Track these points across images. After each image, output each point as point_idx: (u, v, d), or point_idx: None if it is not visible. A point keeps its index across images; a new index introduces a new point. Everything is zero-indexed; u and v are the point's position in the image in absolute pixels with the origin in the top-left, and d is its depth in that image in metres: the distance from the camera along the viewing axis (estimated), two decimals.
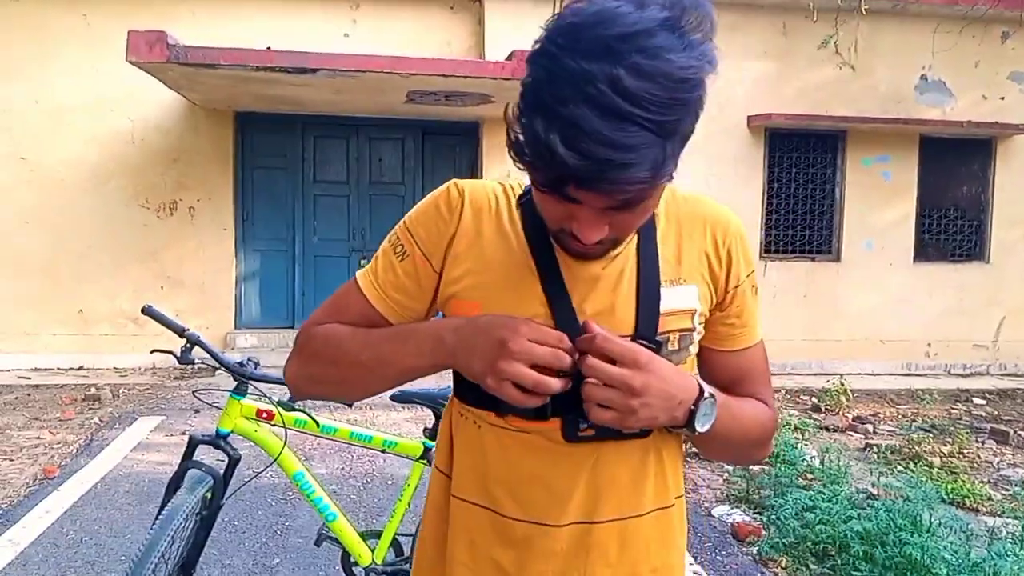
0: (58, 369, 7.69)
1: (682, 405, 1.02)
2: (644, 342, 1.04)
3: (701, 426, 1.04)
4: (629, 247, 1.09)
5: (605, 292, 1.08)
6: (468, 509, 1.14)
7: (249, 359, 2.68)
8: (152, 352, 2.78)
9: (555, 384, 0.96)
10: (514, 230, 1.11)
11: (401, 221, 1.17)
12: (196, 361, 2.60)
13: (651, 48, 0.83)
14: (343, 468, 4.91)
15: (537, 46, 0.89)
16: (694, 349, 1.15)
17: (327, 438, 2.72)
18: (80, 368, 7.73)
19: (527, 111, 0.88)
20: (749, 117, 8.36)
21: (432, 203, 1.15)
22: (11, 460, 4.95)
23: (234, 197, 8.18)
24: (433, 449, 2.36)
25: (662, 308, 1.08)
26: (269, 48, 6.37)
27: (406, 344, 1.09)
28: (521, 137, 0.89)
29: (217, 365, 2.63)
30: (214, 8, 7.85)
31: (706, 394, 1.04)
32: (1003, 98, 8.82)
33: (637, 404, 0.97)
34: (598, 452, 1.09)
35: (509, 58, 6.50)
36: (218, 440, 2.61)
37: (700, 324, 1.13)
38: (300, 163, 8.43)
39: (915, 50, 8.67)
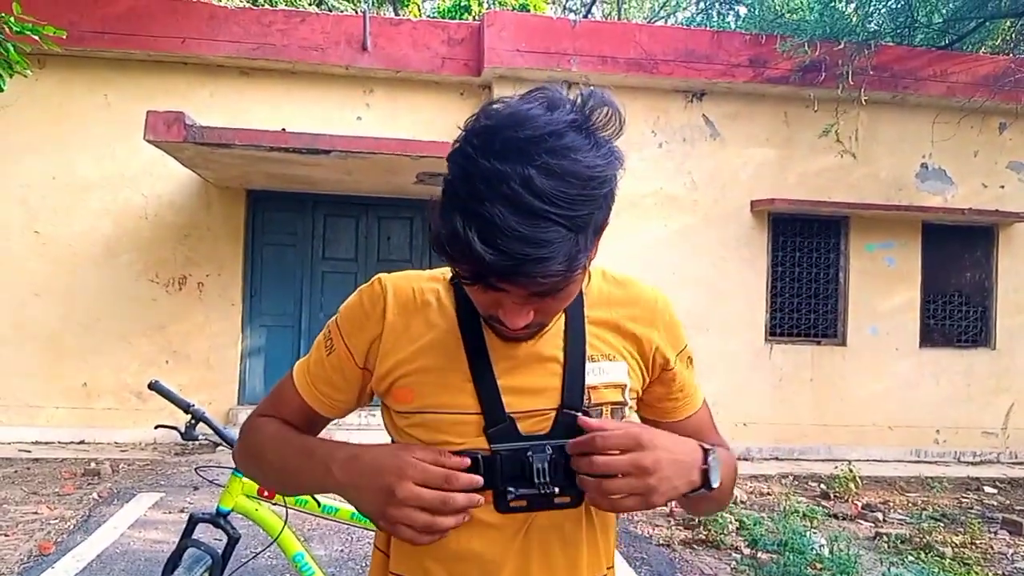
0: (59, 443, 7.64)
1: (694, 467, 1.06)
2: (570, 411, 1.09)
3: (715, 481, 1.07)
4: (557, 325, 1.13)
5: (530, 370, 1.12)
6: None
7: None
8: (156, 428, 2.79)
9: (448, 523, 1.00)
10: (443, 313, 1.14)
11: (335, 315, 1.21)
12: (200, 437, 2.61)
13: (560, 149, 0.88)
14: (343, 550, 4.82)
15: (456, 145, 0.95)
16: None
17: (328, 519, 2.69)
18: (81, 442, 7.68)
19: (447, 207, 0.92)
20: (752, 202, 8.49)
21: (357, 300, 1.18)
22: (7, 535, 4.88)
23: (243, 273, 8.27)
24: None
25: (589, 382, 1.12)
26: (283, 129, 6.55)
27: (306, 462, 1.12)
28: (442, 232, 0.92)
29: (220, 441, 2.63)
30: (232, 91, 8.09)
31: (710, 450, 1.09)
32: (1003, 187, 8.96)
33: (655, 482, 1.00)
34: (529, 523, 1.10)
35: None
36: (218, 518, 2.59)
37: (631, 399, 1.18)
38: (310, 240, 8.55)
39: (915, 139, 8.85)
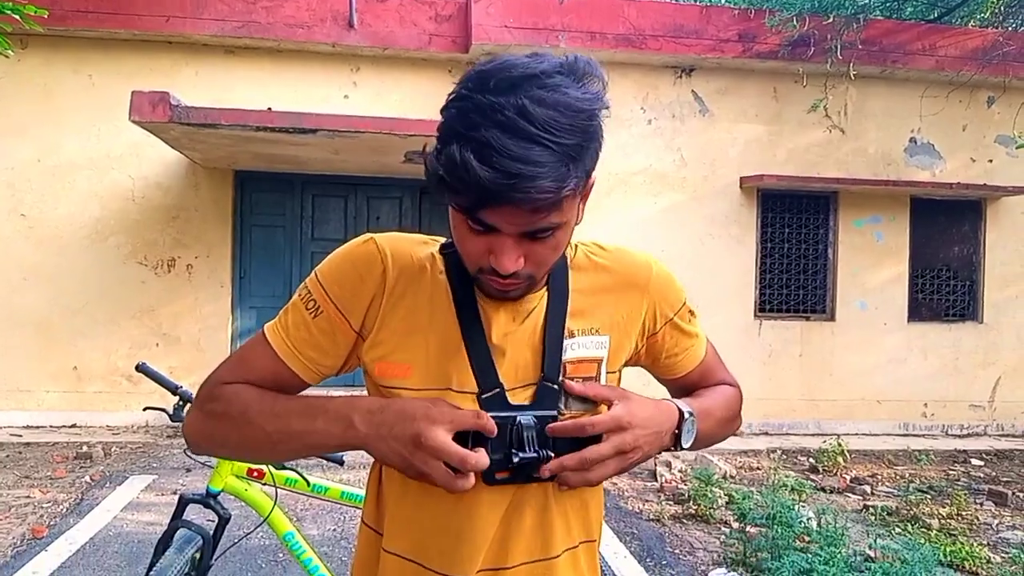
0: (51, 426, 7.63)
1: (667, 433, 1.15)
2: (549, 383, 1.13)
3: (687, 443, 1.17)
4: (541, 302, 1.15)
5: (515, 340, 1.14)
6: (399, 563, 1.15)
7: None
8: (145, 410, 2.78)
9: (467, 484, 1.02)
10: (435, 286, 1.14)
11: (312, 274, 1.16)
12: None
13: (551, 84, 0.95)
14: (335, 529, 4.85)
15: (450, 97, 1.00)
16: None
17: (318, 497, 2.70)
18: (73, 425, 7.67)
19: (442, 143, 0.98)
20: (742, 178, 8.49)
21: (349, 260, 1.15)
22: None
23: (232, 254, 8.24)
24: None
25: (566, 357, 1.15)
26: (270, 109, 6.50)
27: (315, 421, 1.09)
28: (440, 163, 0.97)
29: None
30: (217, 70, 8.01)
31: (686, 415, 1.17)
32: (991, 161, 8.98)
33: (636, 457, 1.10)
34: (510, 496, 1.13)
35: None
36: (208, 499, 2.60)
37: (606, 374, 1.20)
38: (298, 221, 8.51)
39: (904, 114, 8.85)
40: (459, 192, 0.96)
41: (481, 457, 1.01)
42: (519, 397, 1.12)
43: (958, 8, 9.92)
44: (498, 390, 1.10)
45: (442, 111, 1.00)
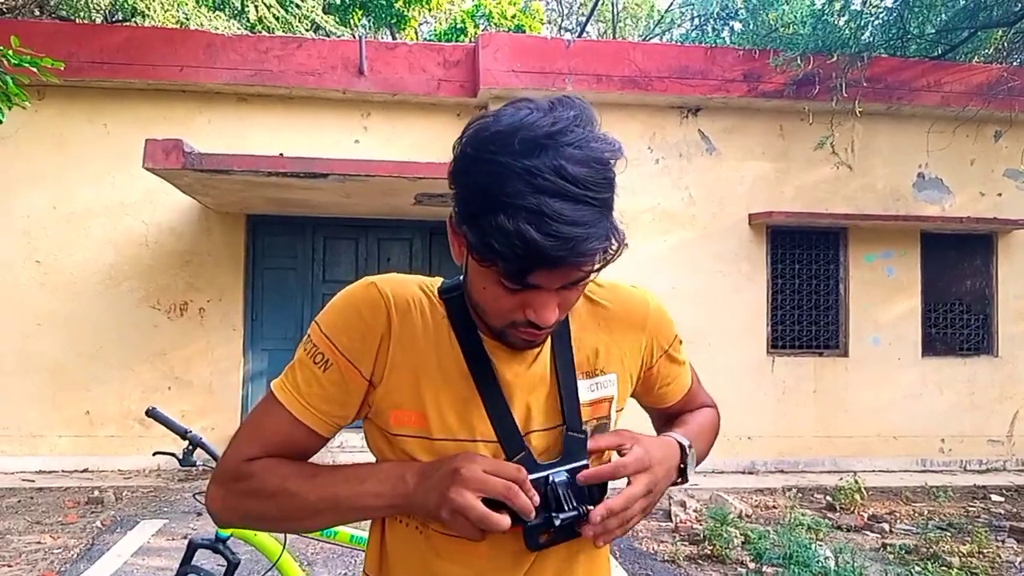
0: (62, 471, 7.64)
1: (675, 468, 1.18)
2: (574, 434, 1.12)
3: (691, 475, 1.20)
4: (545, 344, 1.15)
5: (533, 393, 1.14)
6: None
7: None
8: (154, 454, 2.79)
9: (503, 522, 1.00)
10: (438, 330, 1.13)
11: (314, 325, 1.14)
12: (198, 463, 2.61)
13: (576, 141, 0.95)
14: (345, 573, 4.81)
15: (463, 158, 0.99)
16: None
17: (327, 542, 2.69)
18: (84, 470, 7.68)
19: (483, 214, 0.94)
20: (750, 215, 8.52)
21: (352, 307, 1.13)
22: (10, 566, 4.87)
23: (244, 297, 8.30)
24: None
25: (584, 399, 1.16)
26: (281, 154, 6.60)
27: (363, 485, 1.08)
28: (486, 238, 0.94)
29: None
30: (230, 117, 8.16)
31: (687, 448, 1.19)
32: (1000, 194, 8.98)
33: (657, 495, 1.12)
34: (536, 553, 1.12)
35: None
36: (217, 544, 2.60)
37: (616, 412, 1.22)
38: (310, 263, 8.58)
39: (911, 149, 8.88)
40: (511, 260, 0.94)
41: (502, 520, 1.00)
42: (538, 443, 1.12)
43: (961, 45, 10.00)
44: (524, 453, 1.09)
45: (462, 173, 0.99)
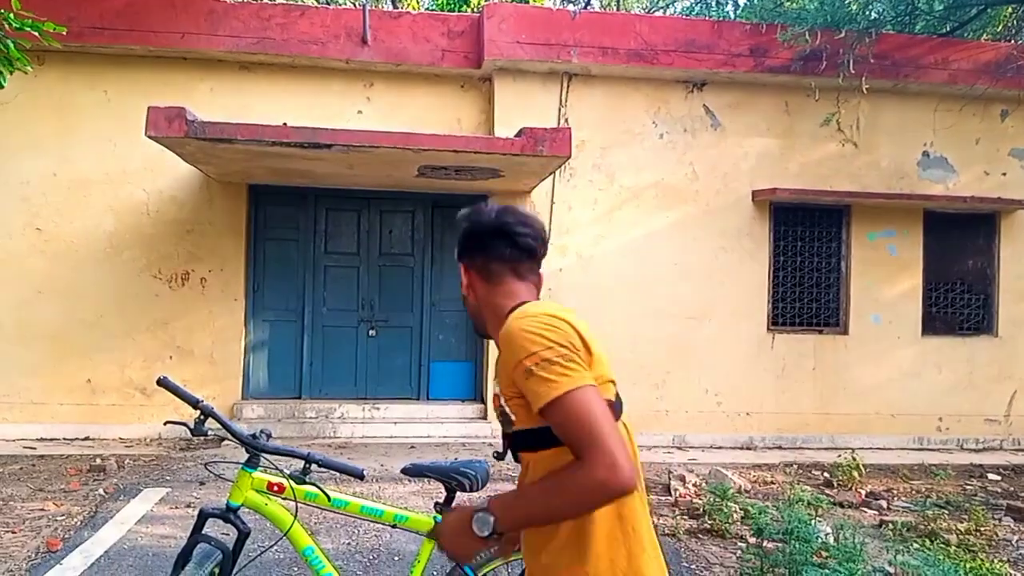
0: (64, 439, 7.66)
1: (464, 529, 1.53)
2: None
3: (482, 532, 1.49)
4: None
5: None
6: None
7: (262, 431, 2.68)
8: (166, 424, 2.78)
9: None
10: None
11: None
12: (209, 433, 2.61)
13: (510, 209, 1.81)
14: (349, 543, 4.83)
15: (463, 242, 1.82)
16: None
17: (338, 512, 2.70)
18: (86, 438, 7.70)
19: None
20: (754, 191, 8.48)
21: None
22: (13, 532, 4.90)
23: (245, 268, 8.27)
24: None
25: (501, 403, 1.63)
26: (285, 124, 6.54)
27: None
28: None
29: (228, 436, 2.63)
30: (232, 85, 8.08)
31: (475, 513, 1.50)
32: (1005, 174, 8.95)
33: (449, 550, 1.63)
34: None
35: (518, 135, 6.64)
36: (228, 513, 2.59)
37: (507, 407, 1.60)
38: (312, 235, 8.54)
39: (916, 127, 8.84)
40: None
41: None
42: None
43: (970, 22, 9.91)
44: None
45: (468, 248, 1.81)
